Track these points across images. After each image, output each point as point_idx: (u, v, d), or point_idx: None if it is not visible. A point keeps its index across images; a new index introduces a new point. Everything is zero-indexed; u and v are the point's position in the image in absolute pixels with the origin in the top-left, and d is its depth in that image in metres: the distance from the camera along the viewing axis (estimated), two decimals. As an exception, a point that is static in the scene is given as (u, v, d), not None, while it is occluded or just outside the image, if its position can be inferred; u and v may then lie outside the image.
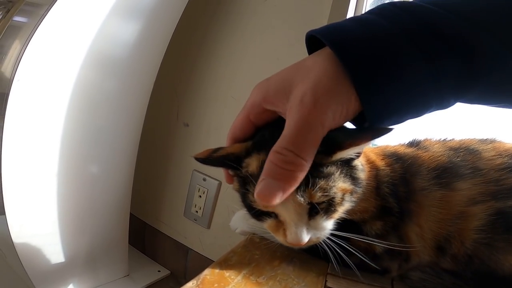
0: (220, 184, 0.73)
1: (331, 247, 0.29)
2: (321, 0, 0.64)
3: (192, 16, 0.74)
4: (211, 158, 0.30)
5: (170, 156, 0.81)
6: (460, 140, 0.35)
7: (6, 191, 0.52)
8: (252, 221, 0.38)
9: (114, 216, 0.70)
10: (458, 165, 0.31)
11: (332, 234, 0.29)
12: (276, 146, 0.22)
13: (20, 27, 0.74)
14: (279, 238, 0.30)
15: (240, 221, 0.42)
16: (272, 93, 0.25)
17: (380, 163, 0.34)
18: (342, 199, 0.28)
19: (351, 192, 0.28)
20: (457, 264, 0.29)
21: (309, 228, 0.28)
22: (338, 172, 0.28)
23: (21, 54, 0.54)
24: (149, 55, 0.67)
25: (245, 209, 0.32)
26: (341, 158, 0.27)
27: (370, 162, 0.34)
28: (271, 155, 0.22)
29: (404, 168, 0.33)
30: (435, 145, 0.34)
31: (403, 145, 0.37)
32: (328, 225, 0.29)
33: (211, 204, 0.74)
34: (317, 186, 0.26)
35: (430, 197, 0.30)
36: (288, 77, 0.24)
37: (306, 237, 0.28)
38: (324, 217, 0.28)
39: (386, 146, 0.39)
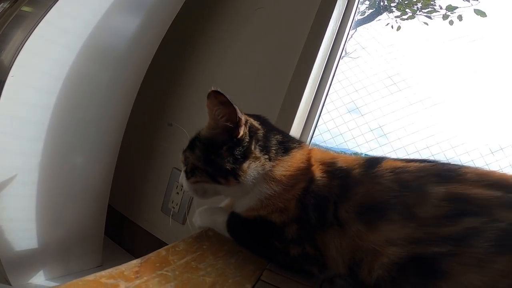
0: (197, 183, 0.79)
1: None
2: (305, 13, 0.70)
3: (185, 20, 0.80)
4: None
5: (152, 153, 0.88)
6: (419, 170, 0.33)
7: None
8: (205, 217, 0.46)
9: (91, 207, 0.76)
10: (391, 207, 0.32)
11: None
12: None
13: (26, 16, 0.81)
14: None
15: (198, 216, 0.47)
16: None
17: (318, 174, 0.37)
18: (192, 170, 0.40)
19: (202, 170, 0.39)
20: None
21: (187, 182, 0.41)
22: (198, 149, 0.39)
23: (21, 45, 0.60)
24: (142, 50, 0.73)
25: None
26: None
27: (307, 166, 0.37)
28: None
29: (341, 189, 0.34)
30: (386, 175, 0.34)
31: (361, 163, 0.37)
32: (186, 184, 0.41)
33: (187, 201, 0.80)
34: (185, 151, 0.41)
35: (349, 226, 0.33)
36: None
37: (183, 182, 0.42)
38: (185, 176, 0.41)
39: (339, 156, 0.40)
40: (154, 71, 0.77)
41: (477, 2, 0.98)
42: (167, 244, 0.85)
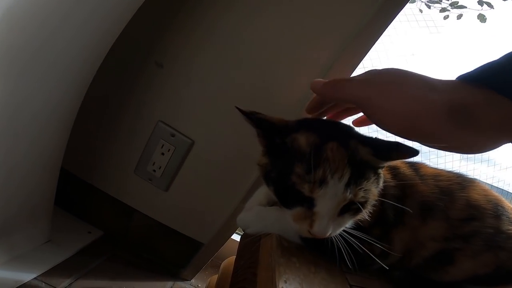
0: (192, 143, 0.65)
1: (342, 244, 0.34)
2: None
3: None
4: (256, 117, 0.33)
5: (129, 98, 0.64)
6: (449, 180, 0.41)
7: None
8: (270, 221, 0.39)
9: (40, 175, 0.53)
10: (437, 208, 0.39)
11: (345, 232, 0.35)
12: None
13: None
14: (301, 226, 0.33)
15: (253, 220, 0.41)
16: None
17: (387, 175, 0.39)
18: (370, 203, 0.34)
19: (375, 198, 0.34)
20: (407, 270, 0.40)
21: (334, 224, 0.32)
22: (373, 177, 0.32)
23: None
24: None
25: (272, 188, 0.34)
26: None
27: None
28: None
29: (404, 189, 0.39)
30: (429, 180, 0.40)
31: (404, 163, 0.43)
32: (349, 223, 0.34)
33: (175, 165, 0.66)
34: (362, 187, 0.31)
35: (411, 221, 0.38)
36: None
37: (329, 232, 0.32)
38: (351, 216, 0.33)
39: None
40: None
41: (488, 8, 1.05)
42: (139, 212, 0.72)
